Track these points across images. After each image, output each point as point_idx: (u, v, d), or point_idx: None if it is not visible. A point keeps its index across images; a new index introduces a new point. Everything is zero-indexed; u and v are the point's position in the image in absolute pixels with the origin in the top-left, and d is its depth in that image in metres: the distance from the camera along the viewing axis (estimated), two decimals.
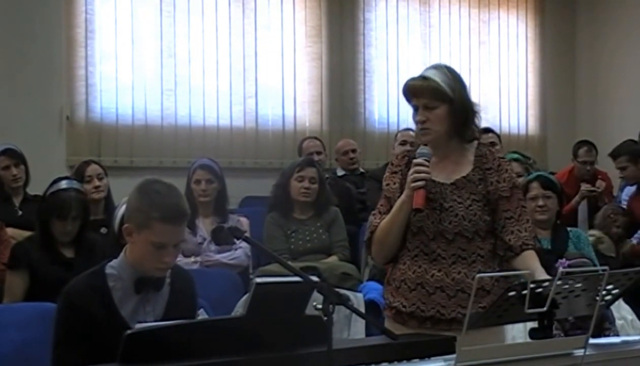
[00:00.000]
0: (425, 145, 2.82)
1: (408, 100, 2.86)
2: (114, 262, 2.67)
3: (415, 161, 2.77)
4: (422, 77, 2.82)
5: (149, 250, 2.56)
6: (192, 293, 2.80)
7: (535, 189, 4.51)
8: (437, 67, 2.90)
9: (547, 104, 8.41)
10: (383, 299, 3.01)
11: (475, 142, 2.92)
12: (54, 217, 4.05)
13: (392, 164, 2.97)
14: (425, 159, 2.75)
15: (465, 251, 2.80)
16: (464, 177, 2.85)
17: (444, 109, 2.80)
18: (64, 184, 4.19)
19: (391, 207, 2.85)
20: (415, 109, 2.83)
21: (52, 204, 4.07)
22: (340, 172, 6.56)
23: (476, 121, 2.89)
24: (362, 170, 6.61)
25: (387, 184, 2.92)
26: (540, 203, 4.48)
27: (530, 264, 2.75)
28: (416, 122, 2.84)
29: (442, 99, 2.79)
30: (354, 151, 6.59)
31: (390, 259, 2.92)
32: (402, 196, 2.79)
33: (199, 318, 2.93)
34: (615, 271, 2.32)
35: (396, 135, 6.23)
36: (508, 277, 2.90)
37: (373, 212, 2.95)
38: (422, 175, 2.72)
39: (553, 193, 4.53)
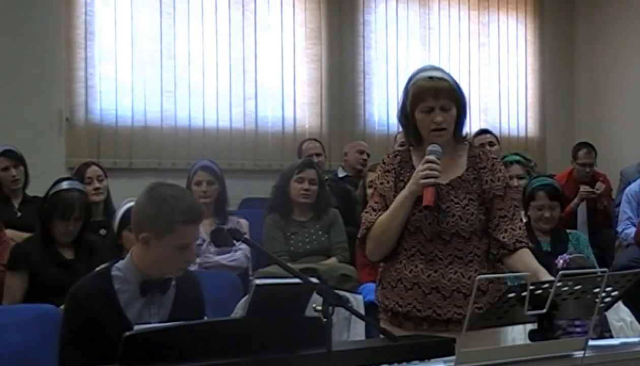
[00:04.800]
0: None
1: (419, 101, 2.82)
2: (120, 264, 2.67)
3: (427, 157, 2.77)
4: (439, 78, 2.83)
5: (172, 253, 2.57)
6: (198, 294, 2.79)
7: (542, 199, 4.51)
8: (438, 68, 2.92)
9: (547, 106, 8.41)
10: (377, 302, 3.01)
11: (467, 143, 2.94)
12: (57, 217, 4.05)
13: (383, 162, 2.96)
14: (436, 157, 2.76)
15: (462, 251, 2.81)
16: (459, 177, 2.86)
17: (455, 111, 2.83)
18: (66, 184, 4.20)
19: (386, 205, 2.85)
20: (429, 111, 2.80)
21: (55, 205, 4.07)
22: (340, 174, 6.57)
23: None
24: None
25: (381, 183, 2.91)
26: (547, 214, 4.49)
27: (530, 264, 2.76)
28: (432, 123, 2.80)
29: (455, 100, 2.83)
30: (368, 155, 6.60)
31: (384, 257, 2.91)
32: (405, 192, 2.79)
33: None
34: (614, 273, 2.33)
35: (396, 136, 6.23)
36: (503, 277, 2.91)
37: (365, 210, 2.94)
38: (434, 172, 2.73)
39: (558, 202, 4.55)
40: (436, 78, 2.82)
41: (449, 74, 2.89)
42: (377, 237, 2.85)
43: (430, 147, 2.79)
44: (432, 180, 2.73)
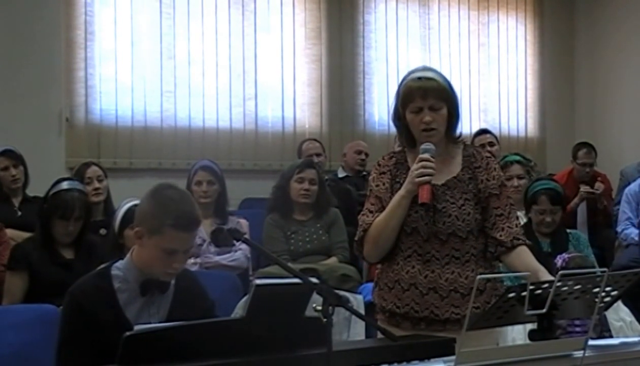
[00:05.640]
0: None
1: (409, 102, 2.83)
2: (119, 263, 2.67)
3: (420, 156, 2.78)
4: (428, 78, 2.83)
5: (159, 255, 2.57)
6: (198, 292, 2.79)
7: (544, 203, 4.51)
8: (430, 69, 2.92)
9: (546, 106, 8.41)
10: (374, 302, 3.01)
11: (461, 143, 2.95)
12: (57, 217, 4.05)
13: (378, 164, 2.97)
14: (430, 155, 2.77)
15: (458, 251, 2.82)
16: (454, 177, 2.87)
17: (445, 110, 2.83)
18: (66, 184, 4.21)
19: (382, 206, 2.85)
20: (416, 112, 2.82)
21: (55, 205, 4.07)
22: (341, 174, 6.57)
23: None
24: (364, 172, 6.62)
25: (377, 185, 2.92)
26: (548, 219, 4.49)
27: (529, 262, 2.78)
28: (421, 124, 2.81)
29: (445, 99, 2.82)
30: (367, 154, 6.60)
31: (382, 258, 2.91)
32: (401, 192, 2.79)
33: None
34: (614, 273, 2.33)
35: (395, 137, 6.22)
36: (501, 277, 2.92)
37: (362, 212, 2.94)
38: (429, 170, 2.73)
39: (560, 206, 4.55)
40: (424, 78, 2.83)
41: (440, 74, 2.88)
42: (374, 238, 2.85)
43: (423, 146, 2.80)
44: (427, 178, 2.73)
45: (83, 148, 6.25)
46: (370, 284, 4.48)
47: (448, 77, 2.95)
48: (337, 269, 4.63)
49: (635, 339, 2.85)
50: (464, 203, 2.83)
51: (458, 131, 2.95)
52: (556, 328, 2.29)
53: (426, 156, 2.76)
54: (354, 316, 3.70)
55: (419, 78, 2.83)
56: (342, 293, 2.97)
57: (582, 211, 6.58)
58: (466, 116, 7.76)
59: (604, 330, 3.74)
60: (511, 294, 2.15)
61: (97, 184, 5.09)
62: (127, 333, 2.07)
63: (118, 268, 2.65)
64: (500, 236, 2.83)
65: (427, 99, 2.80)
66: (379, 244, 2.86)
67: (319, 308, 1.98)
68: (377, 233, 2.84)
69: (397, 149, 3.13)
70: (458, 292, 2.80)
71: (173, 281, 2.68)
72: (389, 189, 2.87)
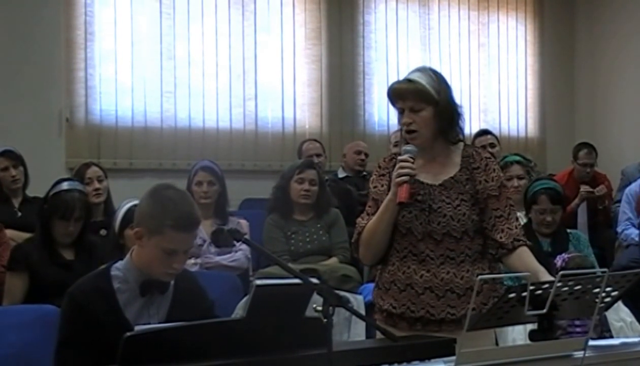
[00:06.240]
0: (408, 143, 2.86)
1: (393, 103, 2.88)
2: (119, 264, 2.67)
3: (399, 157, 2.80)
4: (407, 80, 2.85)
5: (159, 255, 2.58)
6: (197, 292, 2.79)
7: (544, 203, 4.51)
8: (421, 69, 2.92)
9: (547, 107, 8.41)
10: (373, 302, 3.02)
11: (461, 143, 2.94)
12: (57, 218, 4.05)
13: (379, 166, 3.00)
14: (410, 156, 2.78)
15: (453, 251, 2.82)
16: (451, 177, 2.88)
17: (430, 111, 2.82)
18: (66, 185, 4.20)
19: (378, 208, 2.86)
20: (401, 112, 2.85)
21: (55, 205, 4.07)
22: (341, 174, 6.56)
23: (460, 122, 2.92)
24: (364, 172, 6.63)
25: (375, 187, 2.94)
26: (549, 218, 4.49)
27: (530, 263, 2.78)
28: (402, 125, 2.85)
29: (427, 101, 2.82)
30: (366, 155, 6.61)
31: (377, 260, 2.94)
32: (389, 195, 2.81)
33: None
34: (614, 273, 2.33)
35: (390, 137, 6.23)
36: (499, 278, 2.93)
37: (361, 215, 2.96)
38: (406, 170, 2.74)
39: (560, 205, 4.55)
40: (405, 80, 2.85)
41: (431, 76, 2.86)
42: (367, 241, 2.88)
43: (404, 147, 2.83)
44: (404, 178, 2.74)
45: (83, 148, 6.25)
46: (371, 285, 4.49)
47: (448, 77, 2.94)
48: (338, 270, 4.63)
49: (636, 339, 2.85)
50: (460, 203, 2.83)
51: (458, 132, 2.93)
52: (556, 329, 2.29)
53: (405, 156, 2.79)
54: (354, 317, 3.70)
55: (405, 79, 2.86)
56: (342, 293, 2.98)
57: (582, 211, 6.58)
58: (466, 116, 7.71)
59: (604, 330, 3.74)
60: (511, 295, 2.15)
61: (97, 185, 5.09)
62: (128, 334, 2.07)
63: (118, 268, 2.66)
64: (501, 237, 2.83)
65: (406, 101, 2.82)
66: (371, 247, 2.89)
67: (320, 308, 1.98)
68: (369, 236, 2.87)
69: (394, 150, 3.15)
70: (454, 292, 2.81)
71: (172, 282, 2.68)
72: (387, 191, 2.88)
